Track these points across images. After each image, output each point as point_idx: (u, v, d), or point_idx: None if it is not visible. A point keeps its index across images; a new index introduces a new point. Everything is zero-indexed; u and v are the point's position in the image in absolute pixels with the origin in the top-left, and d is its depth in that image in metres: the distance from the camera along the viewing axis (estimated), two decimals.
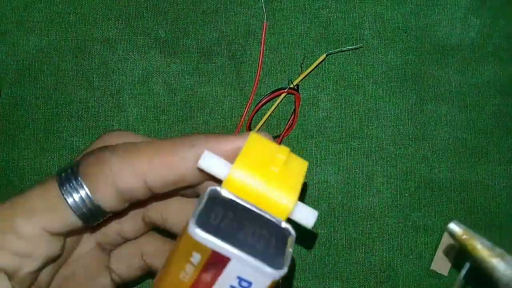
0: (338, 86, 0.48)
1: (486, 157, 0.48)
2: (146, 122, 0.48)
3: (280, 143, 0.47)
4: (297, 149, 0.48)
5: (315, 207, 0.48)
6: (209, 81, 0.48)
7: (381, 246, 0.48)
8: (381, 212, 0.48)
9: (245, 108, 0.48)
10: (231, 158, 0.25)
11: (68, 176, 0.25)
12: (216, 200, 0.23)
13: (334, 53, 0.48)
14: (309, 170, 0.48)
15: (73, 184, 0.25)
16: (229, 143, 0.25)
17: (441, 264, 0.47)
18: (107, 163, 0.25)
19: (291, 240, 0.23)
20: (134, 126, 0.48)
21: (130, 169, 0.25)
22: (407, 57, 0.48)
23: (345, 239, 0.48)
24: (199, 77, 0.48)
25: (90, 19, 0.48)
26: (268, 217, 0.23)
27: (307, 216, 0.24)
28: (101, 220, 0.27)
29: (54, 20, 0.48)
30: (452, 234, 0.27)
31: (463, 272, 0.27)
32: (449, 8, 0.48)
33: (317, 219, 0.24)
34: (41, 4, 0.48)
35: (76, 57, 0.48)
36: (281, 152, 0.24)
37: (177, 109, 0.48)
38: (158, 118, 0.48)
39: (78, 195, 0.25)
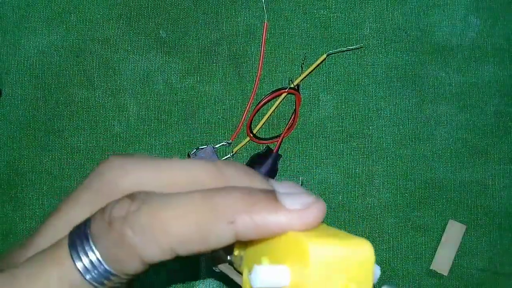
0: (338, 86, 0.48)
1: (486, 157, 0.48)
2: (146, 121, 0.48)
3: (280, 143, 0.47)
4: (298, 149, 0.48)
5: None
6: (209, 81, 0.48)
7: (381, 246, 0.48)
8: (381, 212, 0.48)
9: (246, 108, 0.48)
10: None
11: (87, 257, 0.23)
12: None
13: (335, 53, 0.48)
14: (309, 170, 0.48)
15: (99, 272, 0.23)
16: (277, 223, 0.22)
17: (441, 264, 0.47)
18: (131, 243, 0.22)
19: None
20: (135, 126, 0.48)
21: (158, 249, 0.22)
22: (407, 57, 0.48)
23: None
24: (199, 77, 0.48)
25: (91, 19, 0.48)
26: None
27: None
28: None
29: (55, 20, 0.48)
30: None
31: None
32: (449, 9, 0.49)
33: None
34: (42, 4, 0.48)
35: (77, 56, 0.48)
36: (347, 268, 0.21)
37: (178, 109, 0.48)
38: (159, 118, 0.48)
39: (106, 280, 0.23)
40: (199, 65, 0.48)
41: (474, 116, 0.49)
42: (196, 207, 0.22)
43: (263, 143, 0.48)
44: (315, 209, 0.22)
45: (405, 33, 0.48)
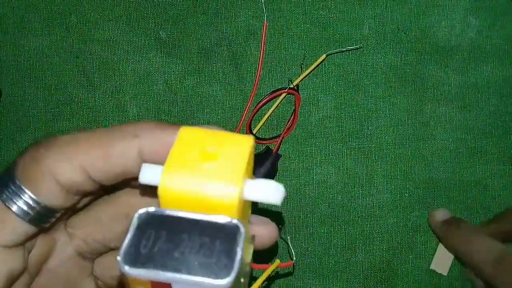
0: (338, 87, 0.48)
1: (486, 157, 0.48)
2: None
3: (280, 143, 0.47)
4: (297, 149, 0.48)
5: (315, 207, 0.48)
6: (209, 81, 0.48)
7: (381, 246, 0.48)
8: (381, 212, 0.48)
9: (246, 108, 0.48)
10: None
11: (5, 182, 0.24)
12: (148, 222, 0.21)
13: (334, 53, 0.48)
14: (309, 170, 0.48)
15: (12, 190, 0.23)
16: (175, 135, 0.23)
17: (440, 264, 0.47)
18: (44, 160, 0.23)
19: (240, 236, 0.20)
20: None
21: (68, 163, 0.23)
22: (406, 58, 0.48)
23: (345, 239, 0.48)
24: (199, 77, 0.48)
25: (91, 19, 0.48)
26: (210, 219, 0.21)
27: (267, 192, 0.22)
28: (55, 218, 0.25)
29: (55, 20, 0.48)
30: None
31: None
32: (448, 9, 0.49)
33: (285, 193, 0.22)
34: (42, 5, 0.48)
35: (77, 57, 0.48)
36: (215, 140, 0.22)
37: (177, 109, 0.48)
38: (158, 118, 0.48)
39: (21, 200, 0.23)
40: (199, 66, 0.48)
41: (474, 116, 0.49)
42: (108, 134, 0.23)
43: (263, 143, 0.48)
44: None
45: (404, 33, 0.49)
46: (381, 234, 0.48)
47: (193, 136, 0.22)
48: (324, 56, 0.48)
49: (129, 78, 0.48)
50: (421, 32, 0.49)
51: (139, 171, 0.23)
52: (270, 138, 0.48)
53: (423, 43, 0.49)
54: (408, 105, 0.48)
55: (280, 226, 0.46)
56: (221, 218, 0.21)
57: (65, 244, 0.28)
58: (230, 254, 0.20)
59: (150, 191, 0.25)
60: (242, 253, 0.20)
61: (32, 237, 0.25)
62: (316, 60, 0.48)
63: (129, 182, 0.26)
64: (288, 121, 0.48)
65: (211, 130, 0.23)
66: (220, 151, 0.22)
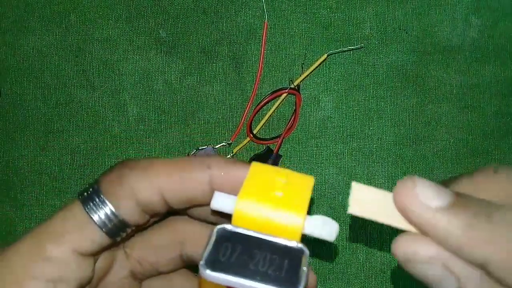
0: (339, 86, 0.48)
1: (487, 158, 0.48)
2: (146, 121, 0.48)
3: (280, 143, 0.47)
4: (298, 149, 0.48)
5: (315, 208, 0.48)
6: (210, 81, 0.48)
7: (381, 247, 0.48)
8: None
9: (246, 108, 0.48)
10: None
11: (90, 195, 0.26)
12: (225, 237, 0.24)
13: (335, 53, 0.48)
14: (310, 171, 0.48)
15: (96, 202, 0.26)
16: (244, 170, 0.26)
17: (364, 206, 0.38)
18: (127, 179, 0.26)
19: (304, 258, 0.24)
20: (135, 126, 0.48)
21: (148, 184, 0.26)
22: (408, 58, 0.48)
23: (345, 240, 0.48)
24: (200, 77, 0.48)
25: (90, 18, 0.48)
26: (278, 241, 0.24)
27: (324, 229, 0.25)
28: (126, 234, 0.28)
29: (55, 20, 0.48)
30: None
31: None
32: (450, 9, 0.48)
33: (338, 232, 0.25)
34: (41, 4, 0.48)
35: (77, 57, 0.48)
36: (282, 175, 0.26)
37: (177, 109, 0.48)
38: (158, 118, 0.48)
39: (103, 212, 0.26)
40: (199, 65, 0.48)
41: (475, 117, 0.48)
42: (185, 162, 0.27)
43: (263, 143, 0.48)
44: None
45: (406, 33, 0.48)
46: (381, 234, 0.48)
47: (263, 170, 0.26)
48: (325, 55, 0.47)
49: (129, 77, 0.48)
50: (422, 32, 0.48)
51: (205, 198, 0.26)
52: (271, 138, 0.48)
53: (425, 43, 0.48)
54: (409, 105, 0.48)
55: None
56: (288, 242, 0.24)
57: (122, 263, 0.31)
58: (297, 271, 0.23)
59: (211, 218, 0.29)
60: (308, 273, 0.23)
61: (104, 249, 0.28)
62: (317, 59, 0.48)
63: (187, 209, 0.29)
64: (289, 121, 0.48)
65: (278, 167, 0.26)
66: (287, 185, 0.25)
